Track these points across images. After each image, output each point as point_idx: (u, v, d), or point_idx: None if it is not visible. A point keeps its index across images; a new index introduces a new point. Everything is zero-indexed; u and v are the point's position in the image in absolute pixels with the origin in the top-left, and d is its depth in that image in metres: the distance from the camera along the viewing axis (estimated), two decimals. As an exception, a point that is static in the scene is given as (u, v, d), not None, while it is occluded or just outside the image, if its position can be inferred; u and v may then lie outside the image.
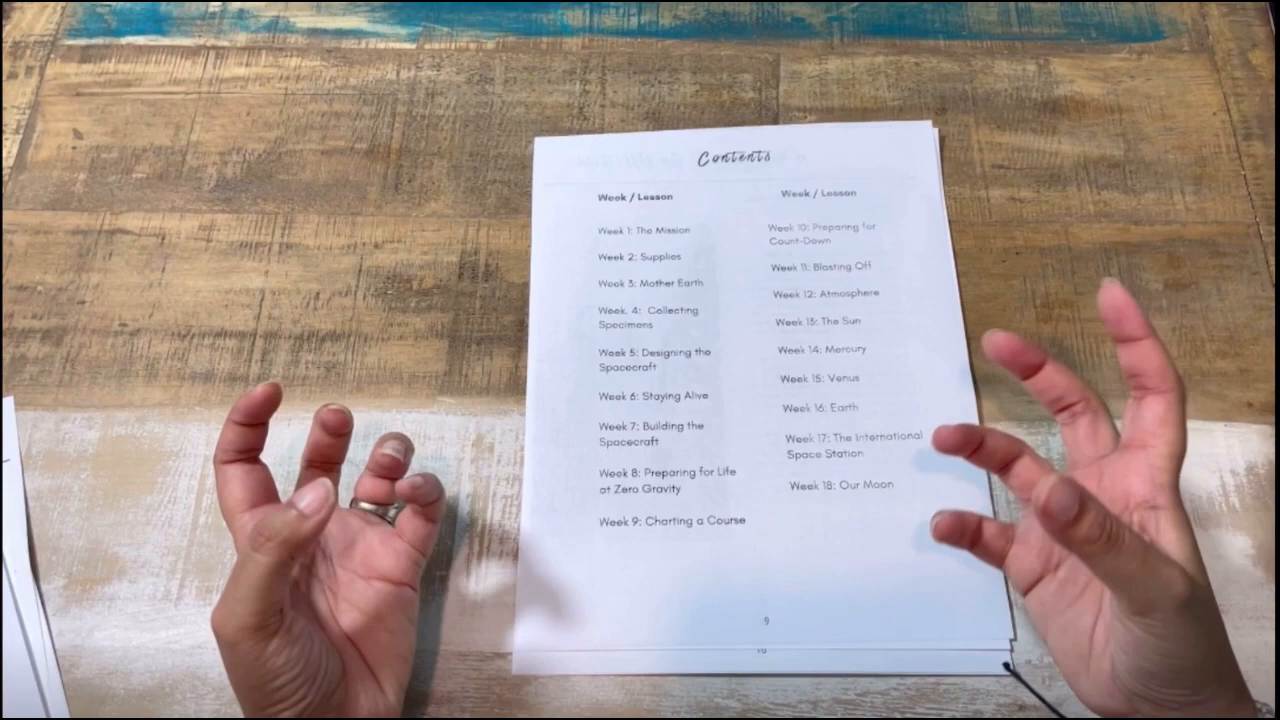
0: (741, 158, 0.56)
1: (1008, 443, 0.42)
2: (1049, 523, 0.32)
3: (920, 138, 0.56)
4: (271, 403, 0.41)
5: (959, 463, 0.48)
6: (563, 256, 0.53)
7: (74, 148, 0.57)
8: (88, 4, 0.62)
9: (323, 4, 0.61)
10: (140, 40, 0.60)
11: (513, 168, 0.56)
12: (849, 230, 0.54)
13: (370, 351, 0.52)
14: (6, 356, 0.52)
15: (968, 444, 0.41)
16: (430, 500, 0.42)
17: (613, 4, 0.61)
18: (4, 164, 0.56)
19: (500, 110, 0.58)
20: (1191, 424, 0.49)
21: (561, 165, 0.56)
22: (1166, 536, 0.37)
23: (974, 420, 0.49)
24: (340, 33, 0.60)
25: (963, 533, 0.41)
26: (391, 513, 0.44)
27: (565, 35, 0.60)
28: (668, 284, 0.52)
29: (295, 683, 0.36)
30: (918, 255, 0.53)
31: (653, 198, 0.55)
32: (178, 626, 0.46)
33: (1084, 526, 0.32)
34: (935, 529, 0.41)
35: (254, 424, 0.42)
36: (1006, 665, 0.44)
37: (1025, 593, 0.41)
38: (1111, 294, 0.39)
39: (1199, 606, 0.33)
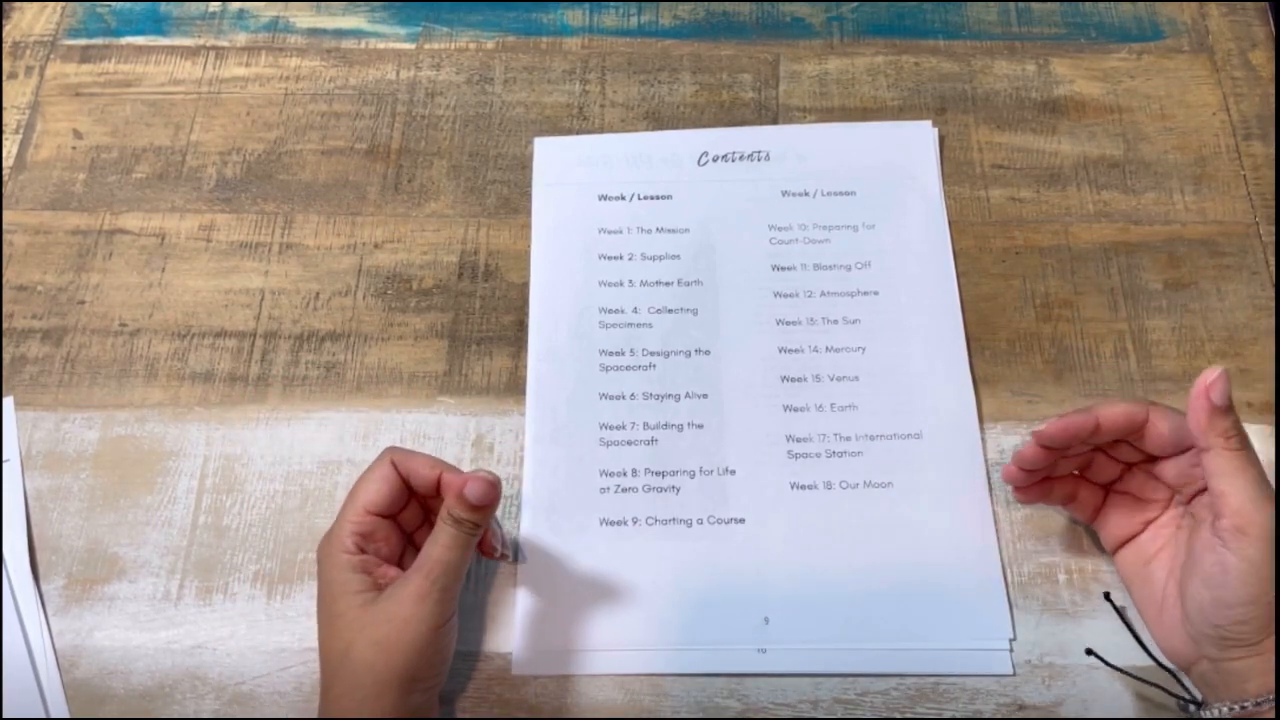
0: (741, 158, 0.56)
1: (1128, 411, 0.41)
2: (1203, 403, 0.38)
3: (920, 138, 0.56)
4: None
5: (960, 463, 0.48)
6: (563, 256, 0.53)
7: (74, 148, 0.57)
8: (88, 4, 0.61)
9: (323, 4, 0.61)
10: (140, 40, 0.60)
11: (513, 168, 0.56)
12: (849, 230, 0.54)
13: (370, 351, 0.52)
14: (6, 356, 0.52)
15: (1076, 436, 0.41)
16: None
17: (612, 4, 0.61)
18: (4, 164, 0.56)
19: (500, 110, 0.58)
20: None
21: (561, 165, 0.56)
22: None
23: (973, 419, 0.49)
24: (340, 33, 0.60)
25: (1046, 490, 0.44)
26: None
27: (565, 35, 0.60)
28: (667, 284, 0.52)
29: (444, 666, 0.41)
30: (918, 255, 0.53)
31: (652, 198, 0.55)
32: (178, 626, 0.46)
33: (1228, 421, 0.38)
34: (1020, 458, 0.43)
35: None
36: (1108, 597, 0.45)
37: (1114, 551, 0.44)
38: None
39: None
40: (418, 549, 0.42)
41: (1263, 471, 0.38)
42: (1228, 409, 0.38)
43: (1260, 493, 0.37)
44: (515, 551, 0.47)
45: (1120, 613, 0.44)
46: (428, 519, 0.44)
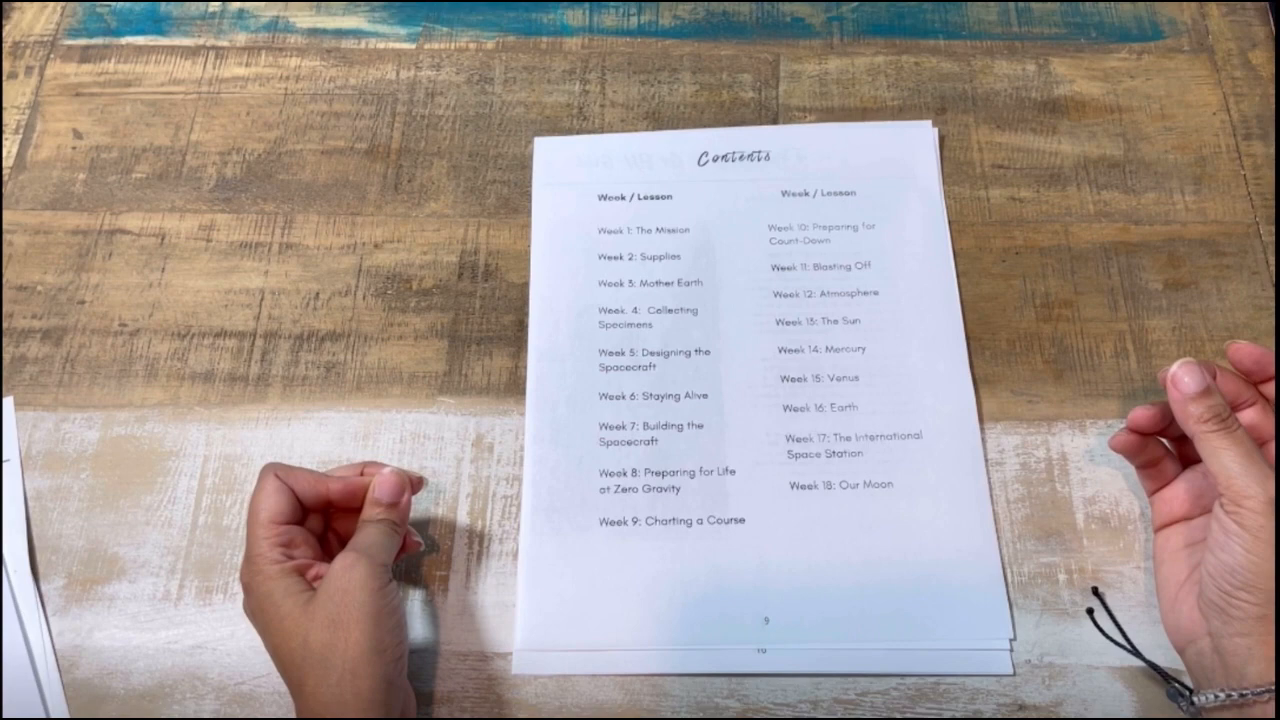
0: (741, 158, 0.56)
1: (1237, 386, 0.42)
2: (1174, 393, 0.40)
3: (920, 138, 0.56)
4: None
5: (960, 463, 0.48)
6: (563, 256, 0.53)
7: (74, 148, 0.57)
8: (88, 4, 0.62)
9: (323, 4, 0.61)
10: (140, 40, 0.60)
11: (513, 168, 0.56)
12: (849, 230, 0.54)
13: (370, 351, 0.52)
14: (6, 356, 0.52)
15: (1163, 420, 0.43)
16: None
17: (612, 4, 0.61)
18: (4, 164, 0.56)
19: (500, 110, 0.58)
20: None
21: (561, 165, 0.56)
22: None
23: (973, 419, 0.49)
24: (340, 33, 0.60)
25: (1144, 450, 0.44)
26: None
27: (565, 35, 0.60)
28: (667, 284, 0.52)
29: (401, 632, 0.41)
30: (918, 255, 0.53)
31: (653, 198, 0.55)
32: (178, 626, 0.46)
33: (1202, 406, 0.39)
34: (1132, 422, 0.43)
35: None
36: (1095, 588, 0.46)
37: (1161, 528, 0.44)
38: (1240, 350, 0.42)
39: None
40: (332, 555, 0.43)
41: (1253, 445, 0.39)
42: (1199, 395, 0.40)
43: (1249, 465, 0.38)
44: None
45: (1106, 607, 0.45)
46: (330, 526, 0.45)
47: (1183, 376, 0.40)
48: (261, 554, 0.41)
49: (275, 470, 0.43)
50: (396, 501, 0.43)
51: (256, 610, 0.41)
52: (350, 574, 0.39)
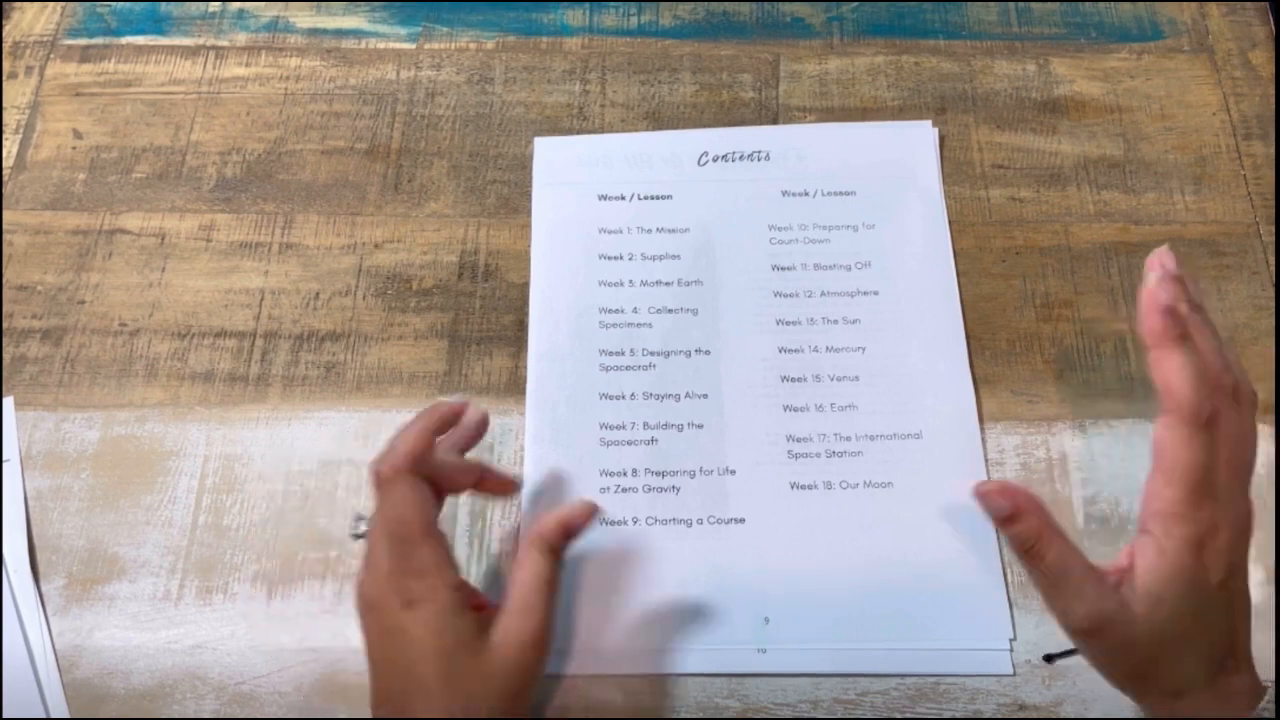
0: (741, 158, 0.56)
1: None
2: (986, 513, 0.36)
3: (920, 138, 0.56)
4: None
5: (960, 463, 0.48)
6: (563, 256, 0.53)
7: (74, 148, 0.57)
8: (88, 4, 0.62)
9: (323, 4, 0.61)
10: (140, 40, 0.60)
11: (513, 168, 0.56)
12: (849, 230, 0.54)
13: (370, 351, 0.52)
14: (6, 356, 0.52)
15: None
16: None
17: (612, 4, 0.61)
18: (4, 164, 0.56)
19: (500, 110, 0.58)
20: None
21: (561, 165, 0.56)
22: (1140, 563, 0.35)
23: (973, 419, 0.49)
24: (340, 33, 0.60)
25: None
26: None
27: (565, 35, 0.60)
28: (667, 284, 0.52)
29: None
30: (917, 255, 0.53)
31: (652, 198, 0.55)
32: (178, 626, 0.46)
33: (1010, 531, 0.36)
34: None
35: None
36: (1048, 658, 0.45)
37: None
38: (1146, 292, 0.36)
39: (1113, 639, 0.35)
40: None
41: (1067, 570, 0.35)
42: (1006, 521, 0.36)
43: (1049, 598, 0.35)
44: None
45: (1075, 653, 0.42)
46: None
47: (988, 499, 0.36)
48: (432, 570, 0.37)
49: (403, 468, 0.38)
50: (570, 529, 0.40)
51: (402, 628, 0.36)
52: (539, 658, 0.38)
